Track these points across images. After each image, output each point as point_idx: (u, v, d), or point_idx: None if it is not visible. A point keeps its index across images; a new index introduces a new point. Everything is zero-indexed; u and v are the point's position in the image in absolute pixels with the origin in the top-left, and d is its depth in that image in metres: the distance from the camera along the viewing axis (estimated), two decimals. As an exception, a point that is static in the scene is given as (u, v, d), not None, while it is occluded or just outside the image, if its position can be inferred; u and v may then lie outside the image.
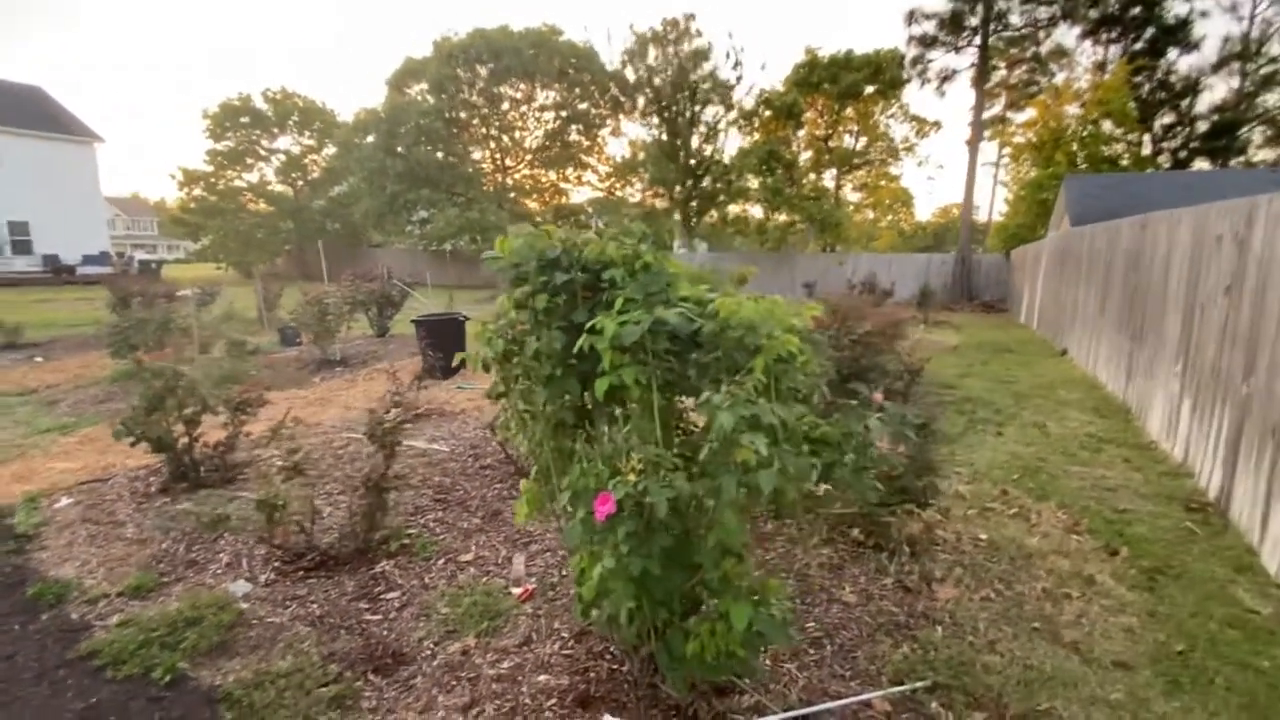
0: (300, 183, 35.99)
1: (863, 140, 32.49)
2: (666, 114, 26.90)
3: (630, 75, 28.13)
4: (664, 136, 27.31)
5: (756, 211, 28.86)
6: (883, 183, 39.22)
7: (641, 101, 27.60)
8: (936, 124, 30.48)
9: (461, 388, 8.21)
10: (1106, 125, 21.28)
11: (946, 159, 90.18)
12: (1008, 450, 5.77)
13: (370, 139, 30.62)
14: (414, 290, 15.25)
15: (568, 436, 2.23)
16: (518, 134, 33.87)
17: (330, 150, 35.08)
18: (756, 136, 27.46)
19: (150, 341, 8.69)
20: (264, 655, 2.82)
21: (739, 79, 26.44)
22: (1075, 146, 21.22)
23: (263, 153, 34.83)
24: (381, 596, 3.31)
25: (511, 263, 2.14)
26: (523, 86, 32.19)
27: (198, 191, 33.39)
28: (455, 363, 8.33)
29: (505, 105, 32.76)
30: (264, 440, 5.03)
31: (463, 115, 31.71)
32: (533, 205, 34.64)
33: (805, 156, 31.06)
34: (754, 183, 26.49)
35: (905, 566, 3.56)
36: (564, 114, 32.49)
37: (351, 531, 3.72)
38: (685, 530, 2.07)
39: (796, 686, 2.63)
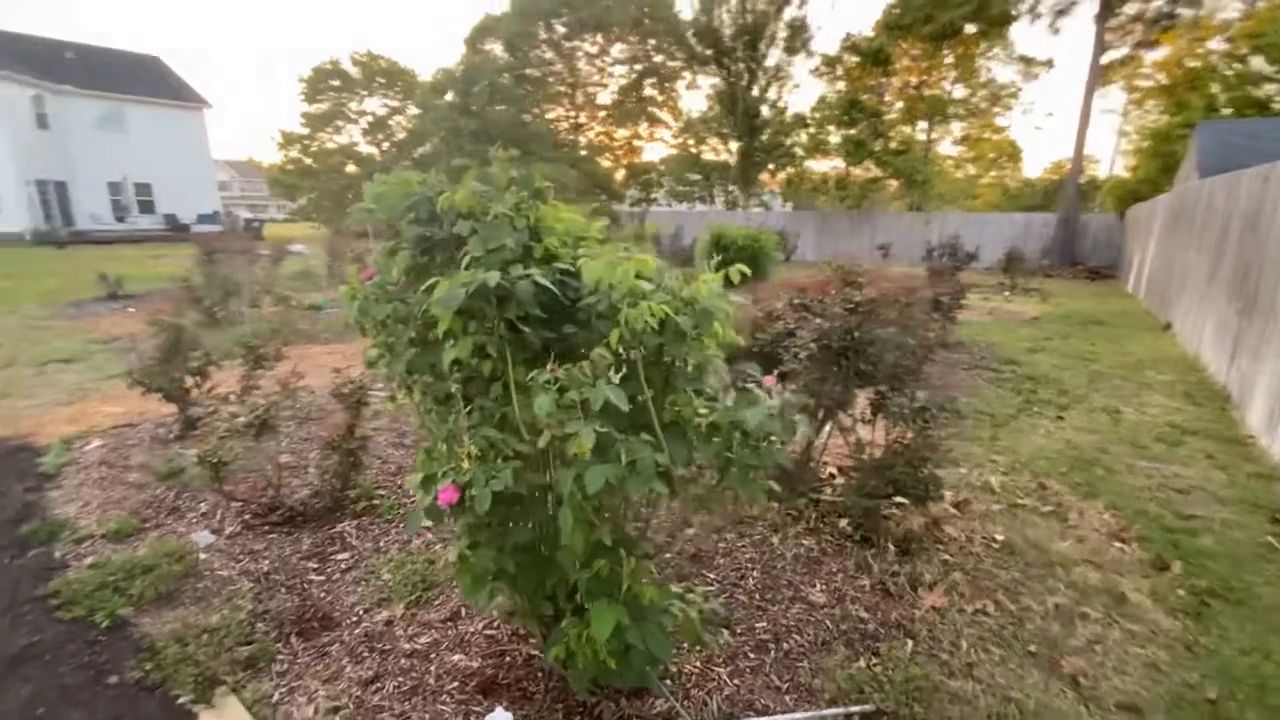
0: (386, 144, 37.27)
1: (960, 88, 29.46)
2: (727, 61, 25.42)
3: (706, 21, 26.75)
4: (724, 86, 25.91)
5: (833, 168, 27.11)
6: (986, 135, 35.75)
7: (711, 51, 26.22)
8: (1048, 63, 26.94)
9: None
10: (1256, 62, 18.05)
11: (1057, 107, 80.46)
12: (1064, 438, 5.07)
13: (448, 98, 31.08)
14: None
15: (451, 411, 2.01)
16: (591, 90, 33.33)
17: (414, 112, 35.98)
18: (840, 86, 25.55)
19: (216, 296, 9.25)
20: (203, 608, 2.86)
21: (818, 29, 24.57)
22: (1216, 88, 18.21)
23: (351, 115, 36.25)
24: (332, 557, 3.30)
25: (380, 212, 1.91)
26: (598, 39, 31.47)
27: (294, 153, 35.33)
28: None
29: (579, 60, 32.21)
30: (276, 394, 5.17)
31: (536, 72, 31.49)
32: (606, 164, 34.22)
33: (895, 108, 28.66)
34: (835, 136, 24.80)
35: (892, 567, 3.15)
36: (638, 67, 31.56)
37: (321, 490, 3.74)
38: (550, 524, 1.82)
39: (720, 695, 2.36)
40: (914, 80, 28.29)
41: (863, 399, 3.59)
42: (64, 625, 2.73)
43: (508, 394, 1.71)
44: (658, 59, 31.01)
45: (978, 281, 15.50)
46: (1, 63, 25.47)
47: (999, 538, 3.49)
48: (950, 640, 2.68)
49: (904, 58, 26.98)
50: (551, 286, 1.57)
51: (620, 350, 1.58)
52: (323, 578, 3.13)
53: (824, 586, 3.05)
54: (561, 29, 30.44)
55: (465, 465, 1.59)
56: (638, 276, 1.73)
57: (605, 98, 33.42)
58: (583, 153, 31.73)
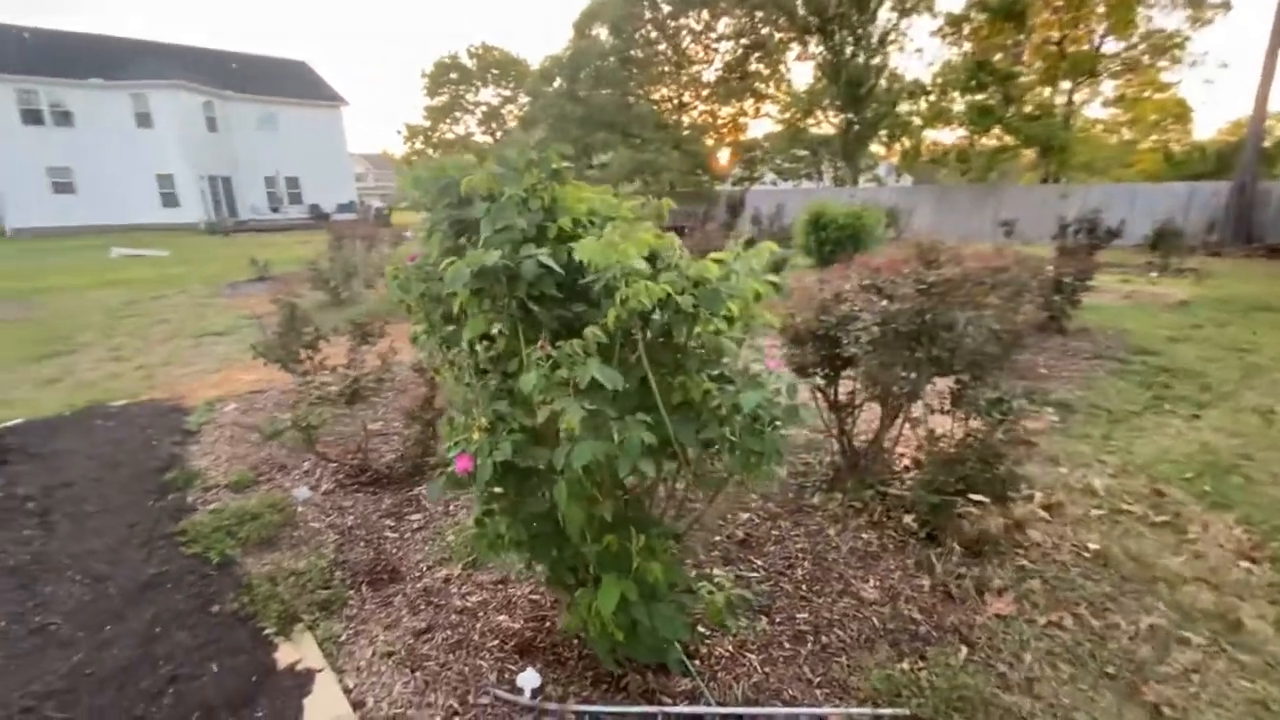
0: (499, 132, 39.06)
1: (1113, 41, 25.88)
2: (831, 27, 23.92)
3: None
4: (828, 54, 24.45)
5: (960, 138, 24.89)
6: (1146, 93, 31.29)
7: (815, 19, 24.84)
8: (1224, 4, 22.90)
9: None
10: None
11: (1235, 57, 66.34)
12: (1197, 440, 4.43)
13: (557, 84, 31.94)
14: None
15: (468, 385, 2.12)
16: (695, 68, 32.89)
17: (524, 100, 37.41)
18: (966, 47, 23.39)
19: (339, 276, 10.21)
20: (294, 554, 3.22)
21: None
22: None
23: (468, 106, 38.32)
24: (407, 517, 3.59)
25: (420, 195, 2.03)
26: (704, 15, 30.92)
27: (418, 145, 38.00)
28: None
29: (684, 38, 31.85)
30: (376, 367, 5.66)
31: (640, 54, 31.51)
32: (710, 143, 33.75)
33: (1032, 69, 25.76)
34: (959, 103, 22.80)
35: (958, 569, 2.93)
36: (744, 42, 30.69)
37: (404, 455, 4.07)
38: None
39: (748, 681, 2.33)
40: (1055, 35, 25.26)
41: (943, 388, 3.34)
42: (186, 560, 3.19)
43: (520, 370, 1.77)
44: (764, 31, 29.98)
45: (1120, 261, 13.78)
46: (180, 74, 29.30)
47: (1093, 547, 3.13)
48: (1012, 652, 2.46)
49: (1044, 10, 24.14)
50: (555, 266, 1.60)
51: (622, 329, 1.58)
52: (396, 535, 3.41)
53: (878, 583, 2.90)
54: (666, 7, 30.18)
55: (476, 436, 1.67)
56: (649, 257, 1.73)
57: (709, 76, 32.90)
58: (685, 133, 31.44)
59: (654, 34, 31.30)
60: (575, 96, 30.55)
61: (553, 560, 1.98)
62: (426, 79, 36.95)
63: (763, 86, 31.38)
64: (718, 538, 3.28)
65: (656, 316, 1.63)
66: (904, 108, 23.94)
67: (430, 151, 38.00)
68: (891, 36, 24.14)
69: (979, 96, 21.34)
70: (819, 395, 3.74)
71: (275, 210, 34.84)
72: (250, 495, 3.84)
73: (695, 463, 1.86)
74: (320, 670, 2.47)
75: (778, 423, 1.61)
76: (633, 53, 31.13)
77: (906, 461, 3.99)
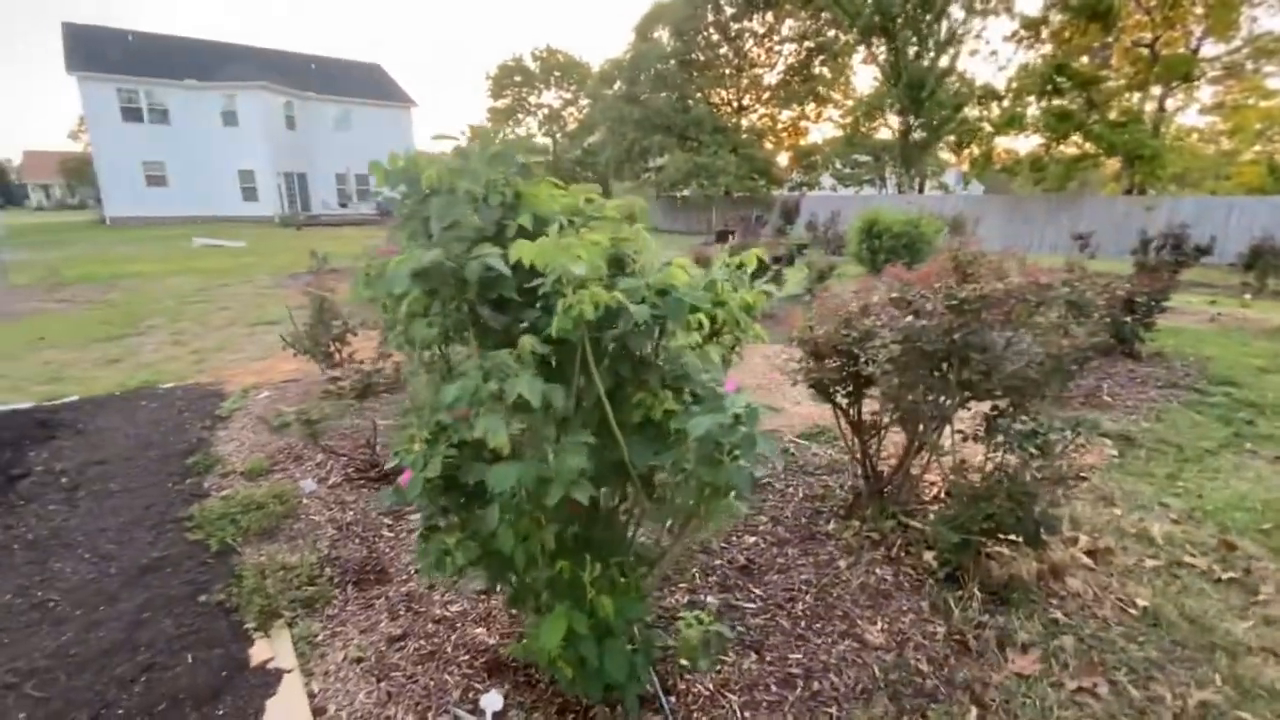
0: (559, 134, 39.61)
1: (1211, 44, 23.86)
2: (893, 27, 22.99)
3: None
4: (888, 55, 23.52)
5: (1039, 145, 23.49)
6: (1250, 100, 28.78)
7: (878, 18, 23.93)
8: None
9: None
10: None
11: None
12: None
13: (616, 87, 32.13)
14: None
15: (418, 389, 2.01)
16: (756, 71, 32.43)
17: (585, 102, 37.82)
18: (1046, 49, 22.10)
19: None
20: (291, 546, 3.23)
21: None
22: None
23: (530, 108, 39.03)
24: (407, 516, 3.55)
25: (389, 189, 1.95)
26: (768, 18, 30.46)
27: (480, 146, 38.98)
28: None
29: (746, 40, 31.46)
30: (398, 362, 5.70)
31: (700, 56, 31.32)
32: (769, 146, 33.20)
33: (1119, 73, 24.08)
34: (1035, 108, 21.55)
35: (979, 616, 2.65)
36: (808, 44, 30.04)
37: (412, 453, 4.04)
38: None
39: (724, 725, 2.14)
40: (1146, 37, 23.53)
41: (980, 412, 3.05)
42: (188, 545, 3.24)
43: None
44: (830, 34, 29.24)
45: (1209, 280, 12.68)
46: (264, 75, 31.00)
47: (1142, 602, 2.77)
48: (1033, 718, 2.18)
49: (1135, 11, 22.54)
50: (501, 267, 1.47)
51: (574, 338, 1.44)
52: (392, 535, 3.37)
53: (885, 626, 2.64)
54: (729, 10, 29.88)
55: (415, 448, 1.57)
56: (615, 261, 1.58)
57: (771, 79, 32.37)
58: (743, 136, 31.01)
59: (715, 36, 31.05)
60: (633, 99, 30.64)
61: (511, 582, 1.86)
62: (490, 81, 37.89)
63: (825, 90, 30.61)
64: (717, 562, 3.09)
65: (620, 326, 1.48)
66: (973, 113, 22.81)
67: (492, 152, 38.94)
68: (959, 36, 23.06)
69: (1056, 102, 20.08)
70: (840, 415, 3.50)
71: (344, 206, 36.40)
72: (262, 484, 3.89)
73: (661, 488, 1.70)
74: (289, 671, 2.42)
75: (737, 452, 1.43)
76: (693, 55, 30.98)
77: (938, 491, 3.68)
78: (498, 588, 2.06)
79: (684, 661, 2.32)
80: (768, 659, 2.45)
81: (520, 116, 39.06)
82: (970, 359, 2.80)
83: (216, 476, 4.03)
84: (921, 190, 29.40)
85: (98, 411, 5.24)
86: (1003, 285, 2.98)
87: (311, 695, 2.31)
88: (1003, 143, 24.35)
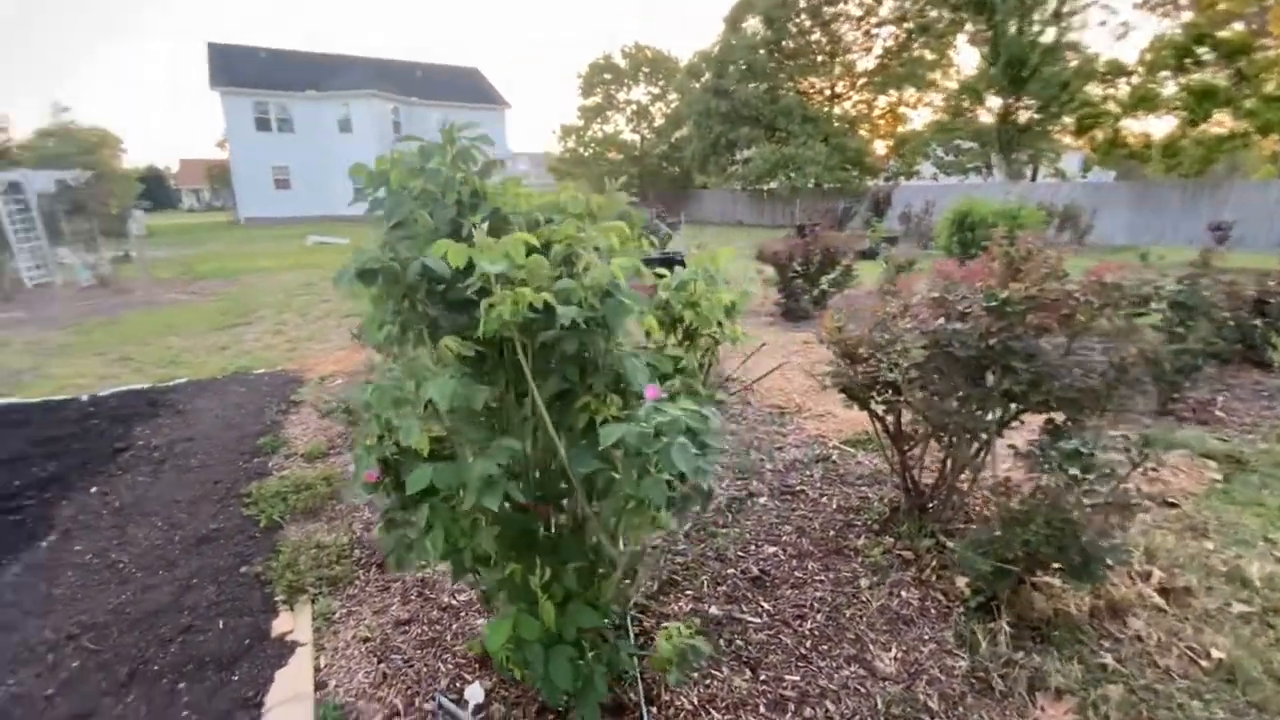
0: (646, 130, 39.75)
1: None
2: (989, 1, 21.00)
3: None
4: (985, 31, 21.53)
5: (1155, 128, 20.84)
6: None
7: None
8: None
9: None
10: None
11: None
12: None
13: (704, 80, 31.76)
14: (678, 229, 15.84)
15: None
16: (851, 56, 30.99)
17: (673, 97, 37.70)
18: (1186, 17, 19.53)
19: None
20: (329, 527, 3.43)
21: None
22: None
23: (619, 105, 39.38)
24: (437, 505, 3.68)
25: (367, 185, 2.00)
26: (866, 0, 29.00)
27: (570, 144, 39.82)
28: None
29: (842, 25, 30.12)
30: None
31: (791, 44, 30.33)
32: (864, 135, 31.64)
33: (1277, 38, 20.84)
34: (1170, 85, 19.15)
35: (1010, 653, 2.38)
36: (908, 25, 28.31)
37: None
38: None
39: (701, 744, 2.06)
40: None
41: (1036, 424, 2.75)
42: (242, 519, 3.53)
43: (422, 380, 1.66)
44: (932, 14, 27.38)
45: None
46: (374, 83, 33.29)
47: (1216, 654, 2.39)
48: (1052, 775, 1.93)
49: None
50: (436, 267, 1.46)
51: (502, 339, 1.42)
52: (420, 521, 3.51)
53: (900, 655, 2.44)
54: (824, -7, 28.69)
55: (369, 444, 1.60)
56: (566, 260, 1.54)
57: (867, 64, 30.82)
58: (835, 124, 29.72)
59: (808, 22, 29.95)
60: (720, 91, 30.16)
61: (472, 581, 1.87)
62: (581, 80, 38.58)
63: (925, 73, 28.73)
64: (730, 571, 2.97)
65: (541, 327, 1.44)
66: (1096, 91, 20.56)
67: (581, 150, 39.64)
68: (1070, 8, 20.85)
69: (1198, 77, 17.69)
70: (877, 423, 3.26)
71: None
72: (318, 466, 4.17)
73: (605, 496, 1.64)
74: (304, 645, 2.58)
75: (657, 466, 1.35)
76: (784, 43, 30.05)
77: (985, 509, 3.36)
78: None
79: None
80: (762, 678, 2.33)
81: (609, 113, 39.49)
82: (1013, 367, 2.52)
83: (280, 457, 4.37)
84: (1034, 178, 26.99)
85: (198, 393, 5.83)
86: (1058, 285, 2.66)
87: (317, 670, 2.45)
88: (1132, 125, 21.81)
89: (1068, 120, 22.16)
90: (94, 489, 3.93)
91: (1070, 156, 27.42)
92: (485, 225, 1.56)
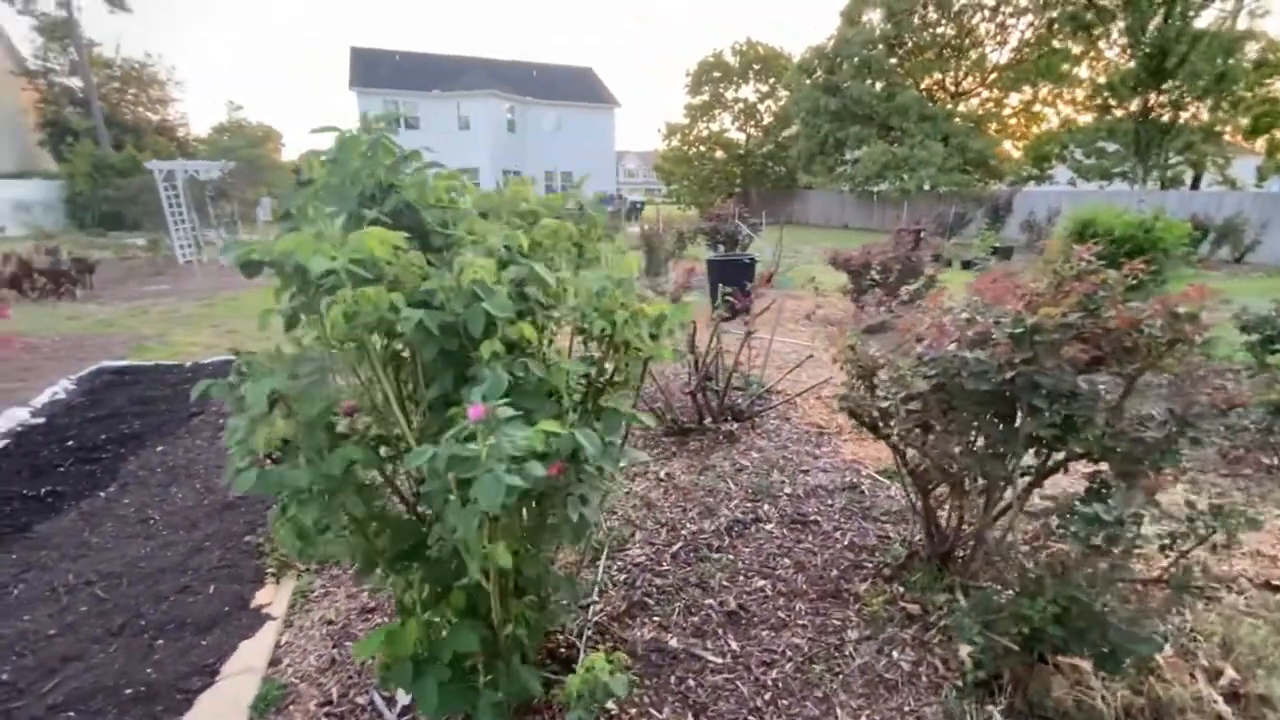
0: (752, 128, 38.93)
1: None
2: None
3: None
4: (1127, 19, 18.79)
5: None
6: None
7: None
8: None
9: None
10: None
11: None
12: None
13: (816, 76, 30.59)
14: (759, 230, 15.32)
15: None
16: (982, 50, 28.61)
17: (782, 95, 36.65)
18: None
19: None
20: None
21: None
22: None
23: (728, 103, 38.82)
24: (442, 495, 3.72)
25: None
26: (1003, -11, 26.65)
27: (675, 142, 39.80)
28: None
29: (974, 16, 27.87)
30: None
31: (913, 39, 28.47)
32: (991, 134, 29.12)
33: None
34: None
35: (1003, 742, 2.01)
36: (1051, 15, 25.65)
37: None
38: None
39: (611, 789, 1.89)
40: None
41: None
42: (241, 524, 3.72)
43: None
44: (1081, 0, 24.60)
45: None
46: (492, 84, 34.99)
47: (1289, 789, 1.89)
48: None
49: None
50: (309, 265, 1.40)
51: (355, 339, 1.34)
52: (421, 510, 3.56)
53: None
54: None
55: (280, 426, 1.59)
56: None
57: (1000, 58, 28.31)
58: (956, 122, 27.54)
59: (934, 14, 27.97)
60: (831, 88, 28.91)
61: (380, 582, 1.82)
62: (689, 78, 38.35)
63: (1067, 67, 25.90)
64: (709, 601, 2.76)
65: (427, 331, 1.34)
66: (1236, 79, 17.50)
67: (685, 149, 39.47)
68: None
69: None
70: (897, 455, 2.90)
71: (549, 200, 39.73)
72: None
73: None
74: (275, 620, 2.67)
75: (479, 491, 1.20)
76: (905, 37, 28.27)
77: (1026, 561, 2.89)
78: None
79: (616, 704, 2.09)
80: (704, 728, 2.12)
81: (716, 111, 38.99)
82: (1036, 406, 2.12)
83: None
84: (1195, 185, 23.63)
85: (276, 367, 6.32)
86: (1114, 313, 2.22)
87: (277, 646, 2.52)
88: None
89: (1242, 120, 19.15)
90: (160, 448, 4.34)
91: (1244, 162, 23.68)
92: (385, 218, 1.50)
